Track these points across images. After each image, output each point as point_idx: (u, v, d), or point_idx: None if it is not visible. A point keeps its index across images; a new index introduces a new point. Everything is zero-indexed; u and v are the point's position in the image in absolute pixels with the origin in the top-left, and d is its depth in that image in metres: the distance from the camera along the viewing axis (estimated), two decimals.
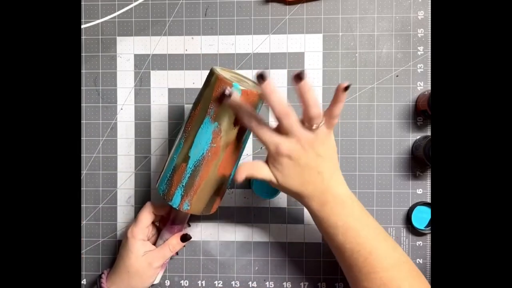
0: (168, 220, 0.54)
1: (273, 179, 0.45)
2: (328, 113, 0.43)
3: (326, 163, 0.44)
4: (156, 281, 0.55)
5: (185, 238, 0.53)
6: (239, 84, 0.44)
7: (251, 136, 0.56)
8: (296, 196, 0.46)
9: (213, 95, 0.45)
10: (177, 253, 0.57)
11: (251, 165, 0.45)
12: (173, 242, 0.53)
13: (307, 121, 0.42)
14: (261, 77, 0.40)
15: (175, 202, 0.48)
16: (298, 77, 0.40)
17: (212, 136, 0.46)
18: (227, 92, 0.43)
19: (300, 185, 0.44)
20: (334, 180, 0.45)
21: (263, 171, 0.45)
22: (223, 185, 0.49)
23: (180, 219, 0.54)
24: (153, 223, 0.55)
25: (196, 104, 0.48)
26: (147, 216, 0.53)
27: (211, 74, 0.46)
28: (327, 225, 0.45)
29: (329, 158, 0.44)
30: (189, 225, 0.58)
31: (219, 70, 0.47)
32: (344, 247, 0.45)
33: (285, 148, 0.43)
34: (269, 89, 0.41)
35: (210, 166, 0.47)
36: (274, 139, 0.43)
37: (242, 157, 0.58)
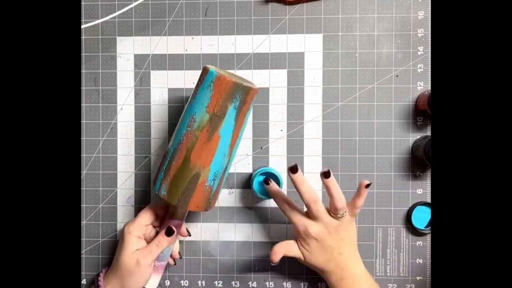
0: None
1: (301, 257, 0.52)
2: (352, 204, 0.50)
3: (347, 245, 0.51)
4: (154, 287, 0.53)
5: (169, 232, 0.51)
6: (215, 70, 0.47)
7: (243, 136, 0.56)
8: (318, 270, 0.53)
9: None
10: (180, 257, 0.57)
11: (285, 246, 0.52)
12: (159, 237, 0.51)
13: (333, 211, 0.50)
14: (292, 170, 0.49)
15: (157, 186, 0.50)
16: (325, 176, 0.48)
17: (188, 120, 0.48)
18: (267, 181, 0.52)
19: (323, 262, 0.51)
20: (352, 260, 0.51)
21: (294, 250, 0.52)
22: (198, 178, 0.48)
23: (177, 216, 0.52)
24: (154, 226, 0.55)
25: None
26: (146, 214, 0.53)
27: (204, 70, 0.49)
28: None
29: (349, 241, 0.51)
30: (190, 235, 0.57)
31: (210, 67, 0.49)
32: None
33: (313, 231, 0.50)
34: (300, 180, 0.49)
35: (184, 151, 0.48)
36: (303, 222, 0.51)
37: (241, 163, 0.58)
